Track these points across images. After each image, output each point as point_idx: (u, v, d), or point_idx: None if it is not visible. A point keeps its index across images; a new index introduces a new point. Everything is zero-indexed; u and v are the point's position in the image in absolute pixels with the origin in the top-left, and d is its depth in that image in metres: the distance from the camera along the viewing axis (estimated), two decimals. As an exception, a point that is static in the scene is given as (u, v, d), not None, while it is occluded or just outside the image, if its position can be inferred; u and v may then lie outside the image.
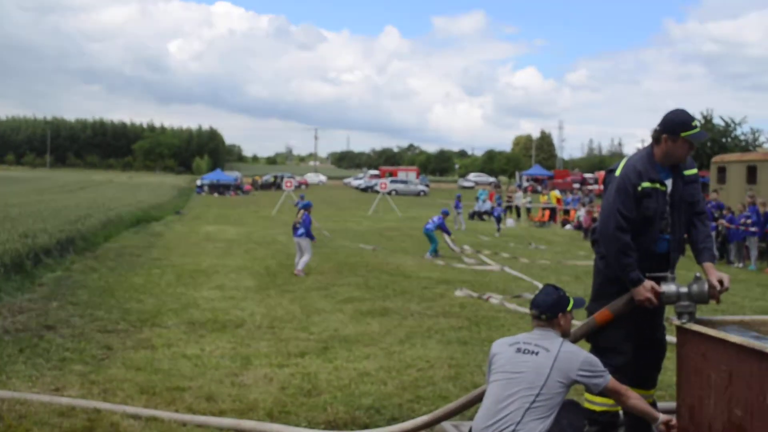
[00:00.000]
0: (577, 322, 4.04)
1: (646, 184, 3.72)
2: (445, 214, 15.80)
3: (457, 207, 24.40)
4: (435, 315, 7.98)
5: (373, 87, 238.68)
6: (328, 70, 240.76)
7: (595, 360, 3.28)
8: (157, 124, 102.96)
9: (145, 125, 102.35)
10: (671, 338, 3.97)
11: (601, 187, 4.48)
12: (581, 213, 23.71)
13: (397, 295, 9.31)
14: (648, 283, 3.65)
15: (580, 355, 3.25)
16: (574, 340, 3.63)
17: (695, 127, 3.70)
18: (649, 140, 3.90)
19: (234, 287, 9.82)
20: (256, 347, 6.31)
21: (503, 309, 8.34)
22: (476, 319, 7.67)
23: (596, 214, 19.59)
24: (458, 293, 9.42)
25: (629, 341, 3.79)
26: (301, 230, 11.38)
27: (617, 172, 3.81)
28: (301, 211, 11.65)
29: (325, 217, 26.17)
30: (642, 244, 3.74)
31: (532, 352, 3.22)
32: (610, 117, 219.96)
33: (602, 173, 4.17)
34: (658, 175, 3.76)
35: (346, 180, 76.97)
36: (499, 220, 23.47)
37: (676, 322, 3.62)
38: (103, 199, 26.02)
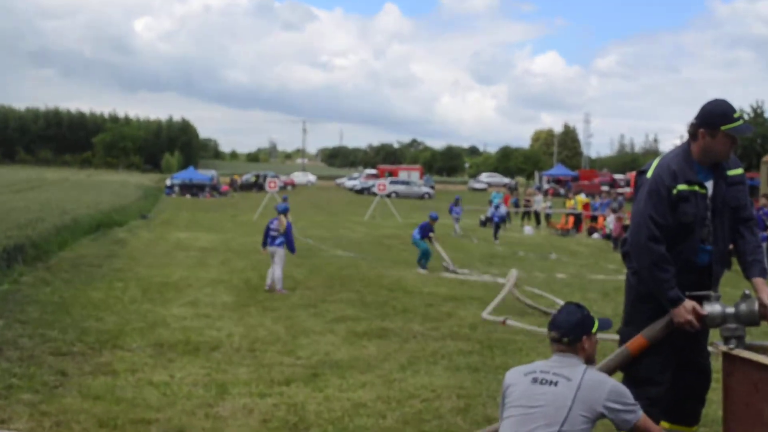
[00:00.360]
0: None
1: (682, 187, 3.72)
2: (433, 219, 15.26)
3: (452, 211, 24.40)
4: (441, 337, 7.98)
5: (371, 73, 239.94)
6: (319, 54, 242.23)
7: (625, 390, 3.25)
8: (121, 115, 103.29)
9: (106, 115, 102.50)
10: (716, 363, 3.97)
11: (633, 190, 4.49)
12: (610, 220, 23.75)
13: (398, 314, 9.31)
14: (689, 303, 3.64)
15: (607, 384, 3.22)
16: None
17: (738, 119, 3.71)
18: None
19: (209, 303, 9.82)
20: (234, 373, 6.30)
21: (521, 331, 8.35)
22: (489, 343, 7.68)
23: (627, 222, 19.63)
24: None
25: (667, 370, 3.78)
26: (281, 239, 11.35)
27: (649, 173, 3.81)
28: (282, 217, 11.61)
29: (315, 224, 26.20)
30: (680, 256, 3.73)
31: (551, 383, 3.20)
32: (645, 109, 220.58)
33: (634, 174, 4.18)
34: (696, 176, 3.76)
35: (339, 180, 77.26)
36: (498, 226, 23.41)
37: (723, 347, 3.60)
38: (58, 201, 25.97)
